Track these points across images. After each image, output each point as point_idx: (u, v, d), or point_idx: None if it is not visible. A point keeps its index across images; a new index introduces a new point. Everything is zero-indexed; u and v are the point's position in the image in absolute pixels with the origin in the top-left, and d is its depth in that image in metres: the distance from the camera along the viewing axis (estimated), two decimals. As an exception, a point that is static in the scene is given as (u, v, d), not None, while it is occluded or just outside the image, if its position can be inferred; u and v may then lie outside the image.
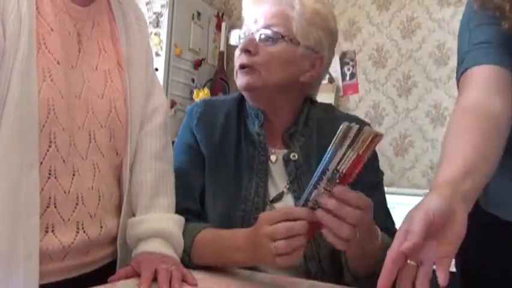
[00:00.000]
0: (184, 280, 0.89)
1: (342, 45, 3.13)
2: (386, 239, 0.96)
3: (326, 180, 0.81)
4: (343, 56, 3.17)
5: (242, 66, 1.08)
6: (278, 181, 1.09)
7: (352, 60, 3.19)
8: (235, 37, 1.12)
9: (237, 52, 1.10)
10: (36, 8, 0.88)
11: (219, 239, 0.99)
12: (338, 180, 0.81)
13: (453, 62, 2.87)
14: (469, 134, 0.82)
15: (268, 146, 1.10)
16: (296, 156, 1.09)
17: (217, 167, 1.09)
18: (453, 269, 1.43)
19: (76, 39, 0.95)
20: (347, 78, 3.21)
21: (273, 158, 1.10)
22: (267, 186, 1.07)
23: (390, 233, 1.00)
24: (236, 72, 1.10)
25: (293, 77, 1.08)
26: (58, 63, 0.89)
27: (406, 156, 3.01)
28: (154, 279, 0.87)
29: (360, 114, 2.82)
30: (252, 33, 1.08)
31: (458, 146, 0.81)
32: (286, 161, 1.09)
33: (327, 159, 0.81)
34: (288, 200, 1.07)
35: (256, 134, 1.10)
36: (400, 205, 1.35)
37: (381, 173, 1.17)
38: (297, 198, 1.05)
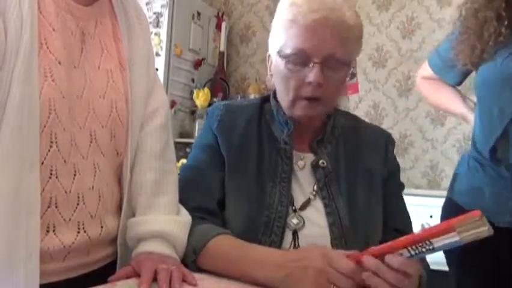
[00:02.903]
0: (184, 280, 0.89)
1: (342, 45, 3.13)
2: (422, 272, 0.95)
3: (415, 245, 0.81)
4: (343, 56, 3.17)
5: (310, 99, 1.04)
6: (305, 187, 1.09)
7: (352, 60, 3.19)
8: (286, 59, 1.04)
9: (298, 82, 1.03)
10: (38, 8, 0.88)
11: (238, 249, 0.97)
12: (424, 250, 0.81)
13: (453, 62, 2.88)
14: None
15: (295, 151, 1.10)
16: (325, 163, 1.09)
17: (239, 171, 1.08)
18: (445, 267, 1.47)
19: (78, 39, 0.95)
20: (347, 78, 3.21)
21: (300, 163, 1.10)
22: (289, 195, 1.07)
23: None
24: (295, 100, 1.05)
25: None
26: (60, 63, 0.89)
27: (406, 156, 3.02)
28: (154, 279, 0.87)
29: (360, 114, 2.81)
30: (316, 63, 1.02)
31: None
32: (315, 166, 1.09)
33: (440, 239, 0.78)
34: (318, 206, 1.07)
35: (283, 142, 1.10)
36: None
37: (403, 185, 1.20)
38: (327, 205, 1.06)
